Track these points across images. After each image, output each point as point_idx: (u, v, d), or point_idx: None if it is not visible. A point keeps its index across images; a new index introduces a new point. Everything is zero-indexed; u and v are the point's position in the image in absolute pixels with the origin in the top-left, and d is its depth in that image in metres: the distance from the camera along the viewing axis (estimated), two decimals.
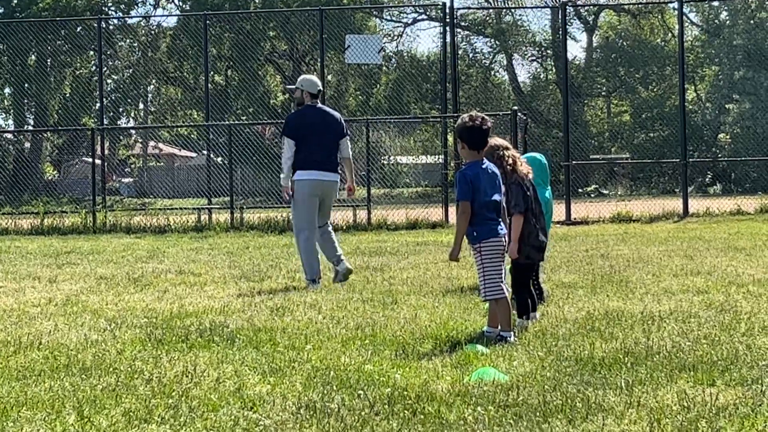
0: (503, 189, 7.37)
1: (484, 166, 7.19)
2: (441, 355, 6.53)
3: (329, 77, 38.19)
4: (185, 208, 26.10)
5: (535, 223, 7.73)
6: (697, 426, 4.69)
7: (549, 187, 9.43)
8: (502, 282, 7.13)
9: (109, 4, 48.82)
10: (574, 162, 26.20)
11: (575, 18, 51.25)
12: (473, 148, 7.21)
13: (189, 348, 7.06)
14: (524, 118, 24.21)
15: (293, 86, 11.96)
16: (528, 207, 7.64)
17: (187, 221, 23.03)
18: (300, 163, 11.37)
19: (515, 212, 7.58)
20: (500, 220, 7.24)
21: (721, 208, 23.53)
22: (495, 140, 7.71)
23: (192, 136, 45.56)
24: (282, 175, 11.54)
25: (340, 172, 11.79)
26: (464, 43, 49.26)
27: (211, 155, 30.11)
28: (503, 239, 7.22)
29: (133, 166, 53.89)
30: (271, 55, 47.45)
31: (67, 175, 46.64)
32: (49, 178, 47.60)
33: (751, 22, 46.10)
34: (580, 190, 36.47)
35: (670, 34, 48.75)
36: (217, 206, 25.42)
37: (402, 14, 51.27)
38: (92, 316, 8.85)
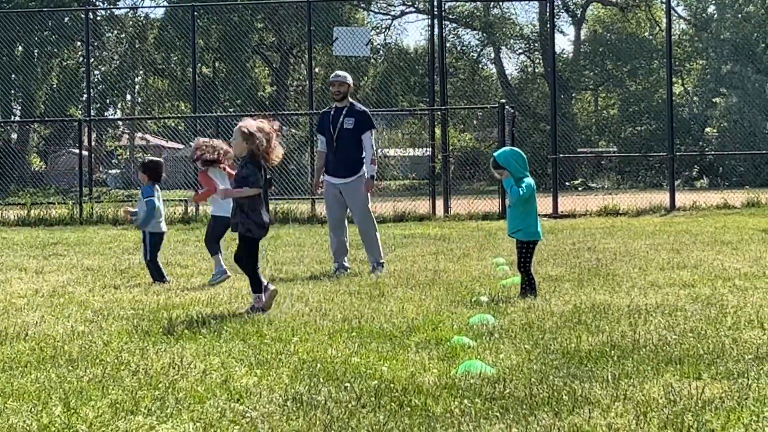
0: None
1: None
2: (428, 348, 6.54)
3: (317, 69, 38.09)
4: (172, 200, 26.01)
5: (262, 203, 8.35)
6: (683, 419, 4.70)
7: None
8: None
9: None
10: (561, 155, 26.19)
11: (563, 11, 51.29)
12: None
13: (176, 340, 7.06)
14: (512, 111, 24.22)
15: (346, 81, 12.07)
16: (260, 186, 8.28)
17: (174, 213, 22.98)
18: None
19: (249, 185, 8.25)
20: None
21: (707, 201, 23.58)
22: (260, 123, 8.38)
23: (179, 127, 45.37)
24: (375, 168, 11.70)
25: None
26: (452, 36, 49.28)
27: None
28: None
29: (120, 157, 53.70)
30: (259, 47, 47.35)
31: (53, 166, 46.46)
32: (36, 169, 47.42)
33: (739, 15, 46.17)
34: (567, 184, 36.48)
35: (657, 28, 48.78)
36: None
37: (390, 6, 51.26)
38: (79, 307, 8.84)
